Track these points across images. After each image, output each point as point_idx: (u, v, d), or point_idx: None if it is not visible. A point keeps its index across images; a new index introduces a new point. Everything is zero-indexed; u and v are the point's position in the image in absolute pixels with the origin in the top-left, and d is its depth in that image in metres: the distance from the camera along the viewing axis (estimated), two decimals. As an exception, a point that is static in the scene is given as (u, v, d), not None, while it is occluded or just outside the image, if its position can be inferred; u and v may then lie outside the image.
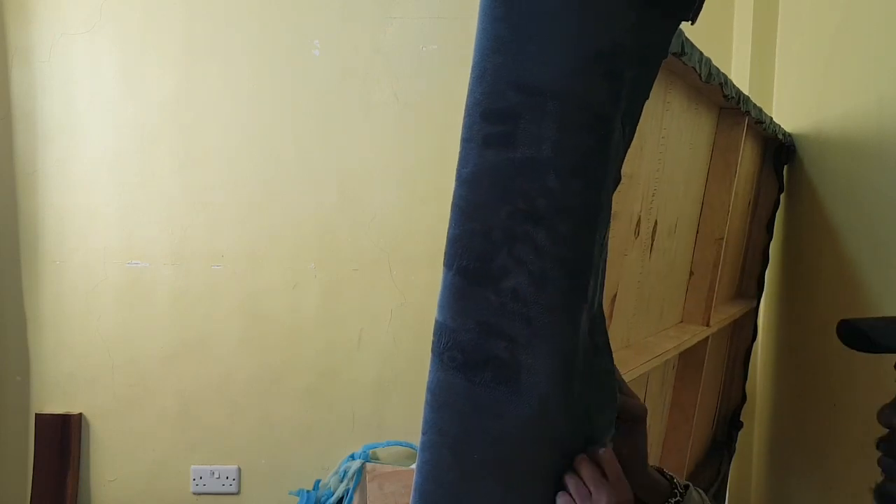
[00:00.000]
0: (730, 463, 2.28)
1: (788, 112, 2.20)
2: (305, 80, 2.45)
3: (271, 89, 2.45)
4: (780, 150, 2.12)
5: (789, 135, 2.10)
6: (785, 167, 2.16)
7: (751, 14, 2.35)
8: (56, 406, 2.48)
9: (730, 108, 1.46)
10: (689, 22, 0.78)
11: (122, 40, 2.42)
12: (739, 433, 2.30)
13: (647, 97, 0.78)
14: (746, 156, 1.79)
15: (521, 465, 0.83)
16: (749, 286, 2.20)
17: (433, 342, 0.85)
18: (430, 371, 0.85)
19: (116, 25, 2.42)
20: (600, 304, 0.85)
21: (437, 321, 0.85)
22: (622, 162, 0.79)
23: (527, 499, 0.82)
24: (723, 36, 2.44)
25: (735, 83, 2.31)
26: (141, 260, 2.46)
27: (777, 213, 2.20)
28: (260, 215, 2.46)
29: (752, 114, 1.53)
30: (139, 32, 2.42)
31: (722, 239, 1.53)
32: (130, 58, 2.43)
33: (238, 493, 2.51)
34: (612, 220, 0.86)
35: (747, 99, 1.47)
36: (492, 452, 0.83)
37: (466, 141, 0.78)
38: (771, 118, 1.84)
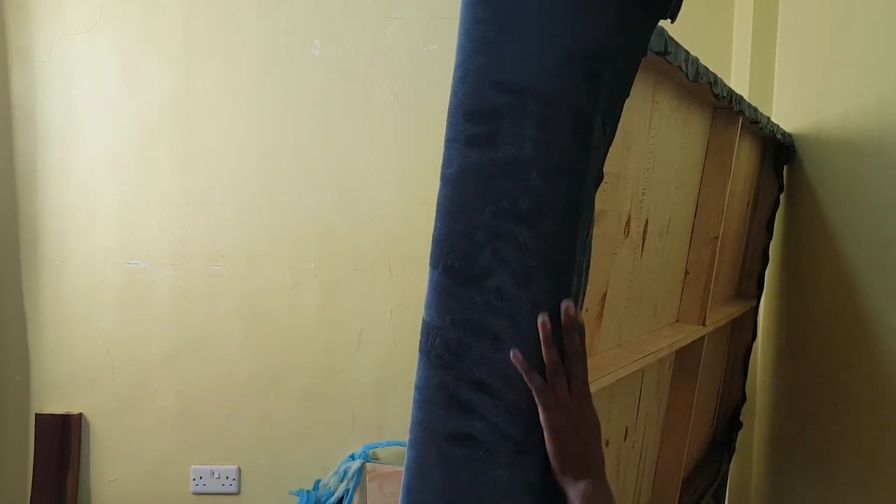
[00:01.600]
0: (730, 463, 2.28)
1: (788, 112, 2.19)
2: (305, 80, 2.45)
3: (271, 89, 2.45)
4: (779, 150, 2.11)
5: (789, 135, 2.09)
6: (784, 167, 2.16)
7: (751, 14, 2.34)
8: (56, 406, 2.49)
9: (723, 107, 1.46)
10: (669, 20, 0.78)
11: (122, 40, 2.43)
12: (739, 433, 2.29)
13: (627, 96, 0.78)
14: (744, 156, 1.78)
15: (506, 462, 0.83)
16: (749, 286, 2.19)
17: (420, 341, 0.86)
18: (417, 369, 0.86)
19: (116, 25, 2.43)
20: (583, 302, 0.85)
21: (424, 320, 0.86)
22: (604, 160, 0.79)
23: (512, 496, 0.82)
24: (723, 36, 2.44)
25: (735, 83, 2.32)
26: (141, 260, 2.46)
27: (777, 213, 2.19)
28: (260, 215, 2.47)
29: (747, 113, 1.52)
30: (139, 32, 2.43)
31: (717, 239, 1.52)
32: (130, 58, 2.44)
33: (238, 493, 2.51)
34: (600, 220, 0.86)
35: (741, 98, 1.47)
36: (478, 450, 0.83)
37: (450, 141, 0.79)
38: (768, 118, 1.84)
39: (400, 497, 0.88)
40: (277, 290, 2.48)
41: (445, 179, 0.80)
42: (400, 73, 2.45)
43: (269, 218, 2.47)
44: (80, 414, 2.49)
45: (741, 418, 2.30)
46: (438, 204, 0.81)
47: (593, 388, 1.00)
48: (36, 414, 2.47)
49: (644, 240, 1.19)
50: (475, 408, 0.83)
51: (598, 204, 0.82)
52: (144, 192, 2.45)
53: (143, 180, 2.45)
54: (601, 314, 1.06)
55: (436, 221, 0.82)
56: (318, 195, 2.47)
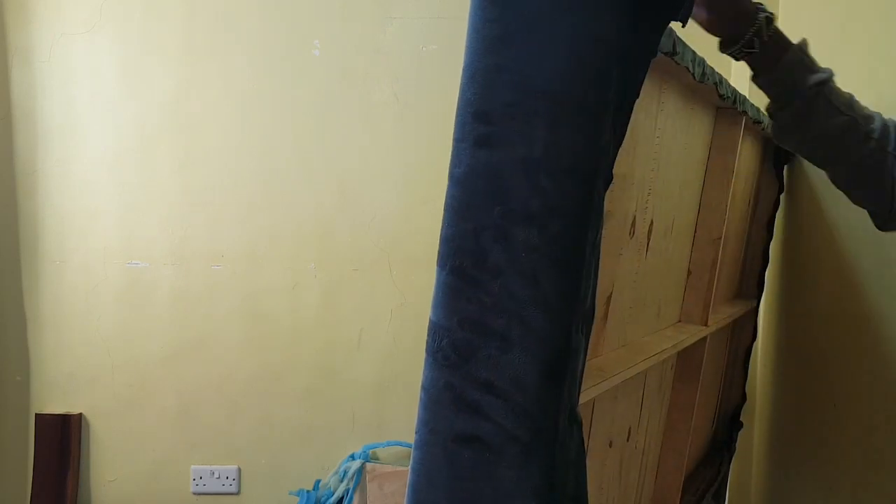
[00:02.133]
0: (730, 463, 2.28)
1: (788, 112, 2.19)
2: (305, 80, 2.45)
3: (271, 89, 2.45)
4: (779, 150, 2.11)
5: (789, 135, 2.09)
6: (785, 167, 2.16)
7: (751, 14, 2.34)
8: (56, 406, 2.49)
9: (726, 108, 1.46)
10: (681, 24, 0.78)
11: (122, 40, 2.43)
12: (739, 433, 2.29)
13: (637, 97, 0.78)
14: (745, 155, 1.79)
15: (513, 464, 0.83)
16: (749, 286, 2.19)
17: (427, 341, 0.86)
18: (423, 370, 0.86)
19: (116, 25, 2.42)
20: (593, 304, 0.85)
21: (431, 320, 0.86)
22: (613, 162, 0.79)
23: (519, 498, 0.82)
24: (723, 36, 2.44)
25: (736, 83, 2.31)
26: (141, 260, 2.46)
27: (777, 213, 2.19)
28: (260, 215, 2.47)
29: (750, 114, 1.53)
30: (139, 32, 2.43)
31: (720, 239, 1.52)
32: (130, 58, 2.43)
33: (238, 493, 2.51)
34: (606, 220, 0.86)
35: (744, 99, 1.47)
36: (484, 452, 0.83)
37: (458, 141, 0.79)
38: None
39: (405, 498, 0.88)
40: (277, 290, 2.48)
41: (454, 179, 0.80)
42: (400, 73, 2.45)
43: (269, 218, 2.47)
44: (80, 414, 2.49)
45: (741, 418, 2.30)
46: (446, 204, 0.81)
47: (599, 389, 1.00)
48: (36, 414, 2.47)
49: (649, 241, 1.19)
50: (482, 409, 0.82)
51: (606, 205, 0.82)
52: (144, 192, 2.45)
53: (143, 180, 2.45)
54: (606, 315, 1.06)
55: (443, 221, 0.82)
56: (318, 195, 2.47)
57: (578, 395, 0.88)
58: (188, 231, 2.46)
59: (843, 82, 1.89)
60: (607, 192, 0.82)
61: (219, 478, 2.50)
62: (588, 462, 0.93)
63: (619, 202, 1.00)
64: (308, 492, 2.42)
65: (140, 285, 2.47)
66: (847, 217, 1.85)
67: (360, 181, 2.47)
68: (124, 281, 2.47)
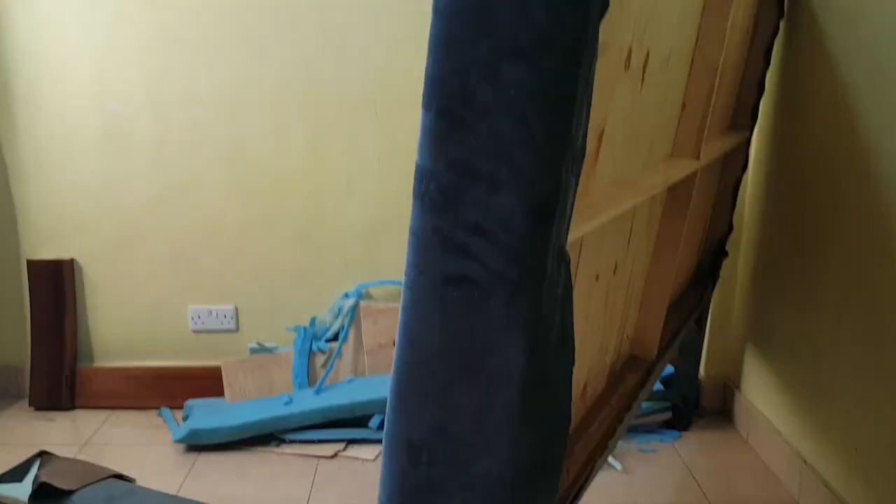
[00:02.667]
0: (713, 290, 2.35)
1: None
2: None
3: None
4: (782, -27, 2.01)
5: (793, -45, 1.98)
6: (787, -9, 2.06)
7: None
8: (47, 252, 2.50)
9: (730, -73, 1.36)
10: None
11: None
12: (724, 262, 2.34)
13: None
14: (747, -22, 1.69)
15: (502, 301, 0.84)
16: (743, 117, 2.16)
17: (414, 185, 0.84)
18: (412, 214, 0.85)
19: None
20: (584, 142, 0.83)
21: (417, 164, 0.84)
22: (610, -12, 0.74)
23: (507, 333, 0.83)
24: None
25: None
26: (118, 103, 2.39)
27: (776, 41, 2.12)
28: (237, 55, 2.36)
29: (755, -69, 1.42)
30: None
31: (717, 68, 1.47)
32: None
33: (237, 330, 2.58)
34: (600, 52, 0.82)
35: (750, -85, 1.36)
36: (473, 290, 0.84)
37: (442, -32, 0.73)
38: (775, -64, 1.73)
39: (396, 336, 0.90)
40: (261, 133, 2.43)
41: (438, 12, 0.74)
42: None
43: (248, 59, 2.37)
44: (72, 259, 2.50)
45: (727, 248, 2.34)
46: (431, 40, 0.76)
47: (588, 227, 1.00)
48: (27, 260, 2.49)
49: (644, 73, 1.14)
50: (471, 251, 0.82)
51: (601, 36, 0.77)
52: (114, 32, 2.34)
53: (112, 19, 2.33)
54: (598, 152, 1.03)
55: (428, 59, 0.77)
56: (299, 33, 2.36)
57: (567, 234, 0.87)
58: (164, 73, 2.37)
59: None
60: (602, 21, 0.77)
61: (216, 316, 2.56)
62: (575, 296, 0.94)
63: (614, 33, 0.94)
64: (305, 328, 2.49)
65: (120, 129, 2.41)
66: (847, 46, 1.79)
67: (342, 17, 2.34)
68: (103, 125, 2.40)
